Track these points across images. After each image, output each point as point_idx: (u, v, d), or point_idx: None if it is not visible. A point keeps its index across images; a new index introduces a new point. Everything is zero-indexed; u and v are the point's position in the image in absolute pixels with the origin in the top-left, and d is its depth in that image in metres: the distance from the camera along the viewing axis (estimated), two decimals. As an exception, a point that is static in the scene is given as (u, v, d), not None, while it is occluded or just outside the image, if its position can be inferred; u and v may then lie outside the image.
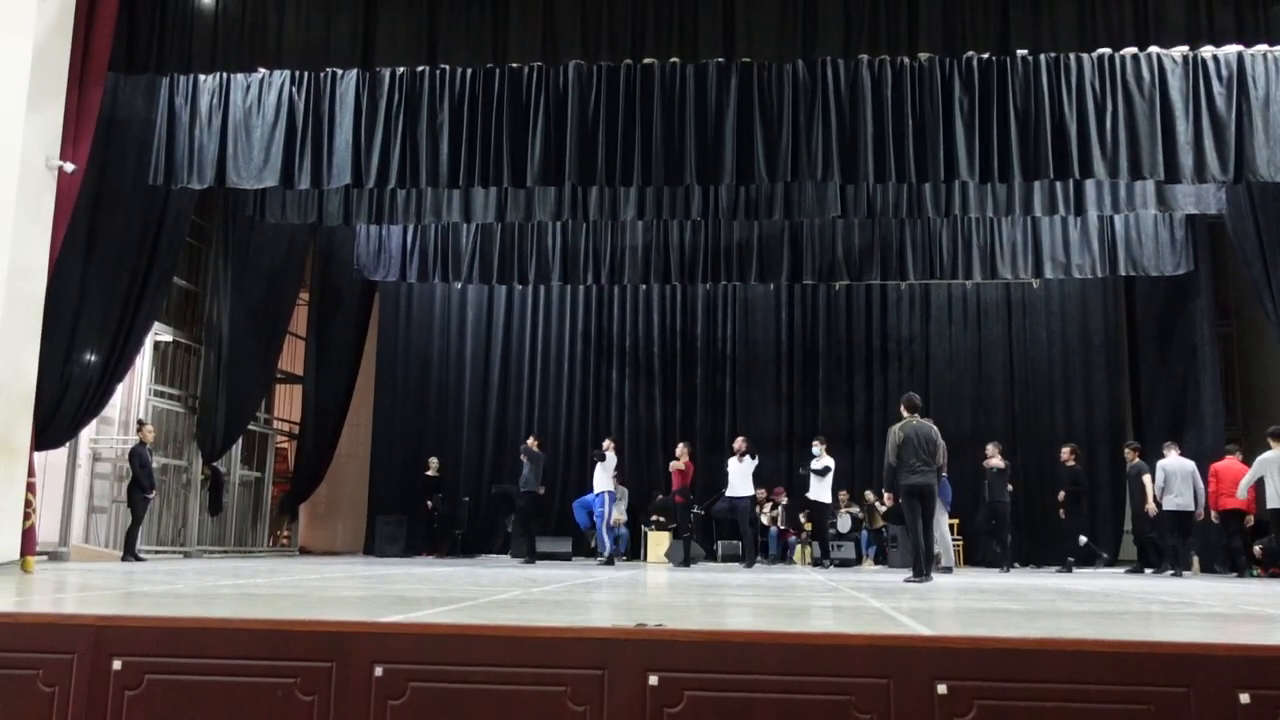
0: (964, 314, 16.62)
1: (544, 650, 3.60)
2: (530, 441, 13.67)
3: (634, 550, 15.65)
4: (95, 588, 6.11)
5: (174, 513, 13.57)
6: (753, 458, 12.98)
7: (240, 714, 3.59)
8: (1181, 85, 10.17)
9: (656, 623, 3.83)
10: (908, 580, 8.82)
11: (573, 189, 12.27)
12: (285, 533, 16.51)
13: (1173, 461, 12.42)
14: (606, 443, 13.64)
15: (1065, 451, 13.58)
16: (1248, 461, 11.90)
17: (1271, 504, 11.36)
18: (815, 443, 13.46)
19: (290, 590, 6.00)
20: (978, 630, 4.21)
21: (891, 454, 9.00)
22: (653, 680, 3.49)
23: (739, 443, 13.09)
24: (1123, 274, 14.46)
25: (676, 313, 17.00)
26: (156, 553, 12.79)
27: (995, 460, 13.04)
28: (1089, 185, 12.10)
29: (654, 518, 15.25)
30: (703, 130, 10.27)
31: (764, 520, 14.95)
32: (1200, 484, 12.29)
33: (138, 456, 11.65)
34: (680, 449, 13.51)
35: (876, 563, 14.53)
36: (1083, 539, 13.54)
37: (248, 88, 10.79)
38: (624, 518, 15.51)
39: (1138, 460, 12.94)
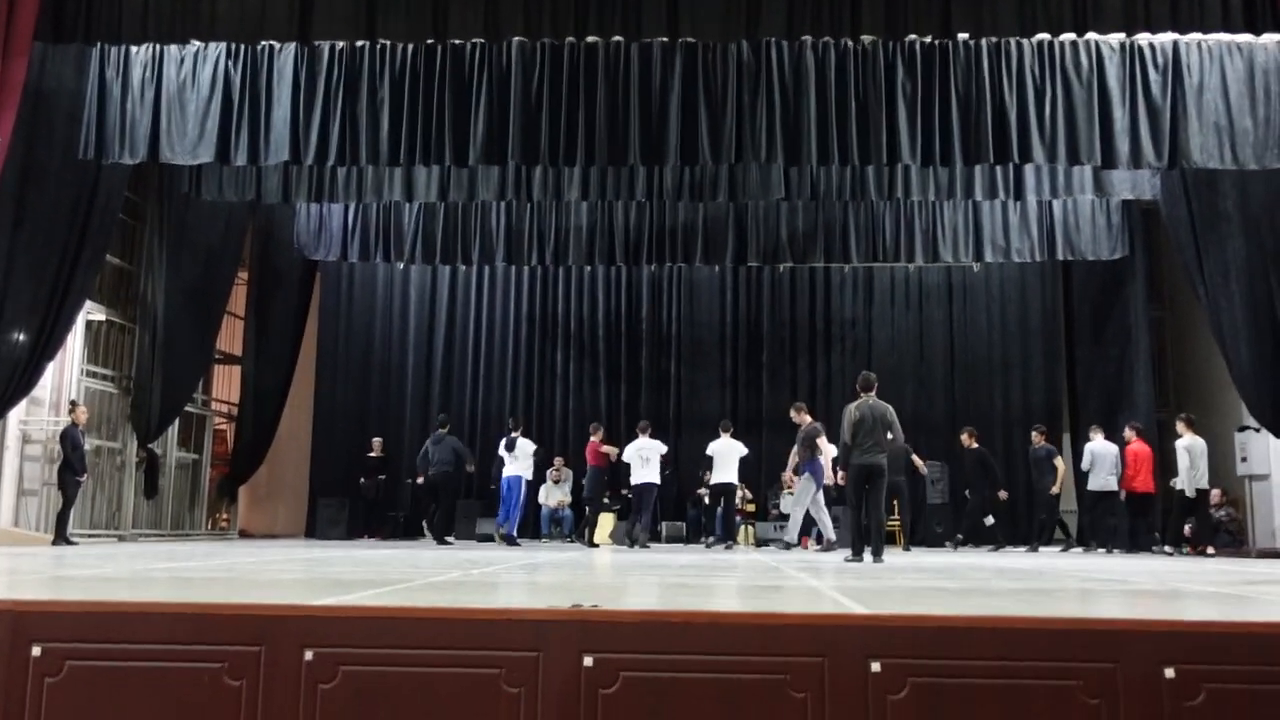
0: (906, 297, 16.78)
1: (478, 632, 3.55)
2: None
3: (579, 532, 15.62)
4: (17, 571, 5.94)
5: (108, 496, 13.29)
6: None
7: (167, 699, 3.50)
8: (1119, 72, 10.31)
9: (592, 604, 3.81)
10: (848, 560, 8.90)
11: (516, 169, 12.15)
12: (224, 516, 16.24)
13: (1099, 445, 12.79)
14: (511, 421, 13.80)
15: (965, 435, 13.86)
16: (1153, 443, 12.59)
17: (1199, 485, 11.71)
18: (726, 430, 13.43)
19: (222, 574, 5.88)
20: (912, 609, 4.24)
21: (847, 432, 9.00)
22: (588, 661, 3.46)
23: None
24: (1060, 258, 14.68)
25: (621, 294, 16.96)
26: (90, 537, 12.52)
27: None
28: (1028, 170, 12.25)
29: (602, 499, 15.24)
30: (647, 110, 10.22)
31: (706, 500, 15.00)
32: (1121, 467, 12.69)
33: (69, 438, 11.38)
34: (593, 428, 13.66)
35: (818, 543, 14.64)
36: (989, 520, 13.78)
37: (181, 60, 10.52)
38: (568, 499, 15.50)
39: (1044, 443, 13.39)
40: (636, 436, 13.16)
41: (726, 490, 12.85)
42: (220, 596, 4.31)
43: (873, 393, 9.14)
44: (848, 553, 9.31)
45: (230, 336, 16.10)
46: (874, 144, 10.27)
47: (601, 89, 10.23)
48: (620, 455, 13.19)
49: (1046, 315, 16.49)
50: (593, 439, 13.52)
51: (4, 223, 9.88)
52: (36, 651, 3.57)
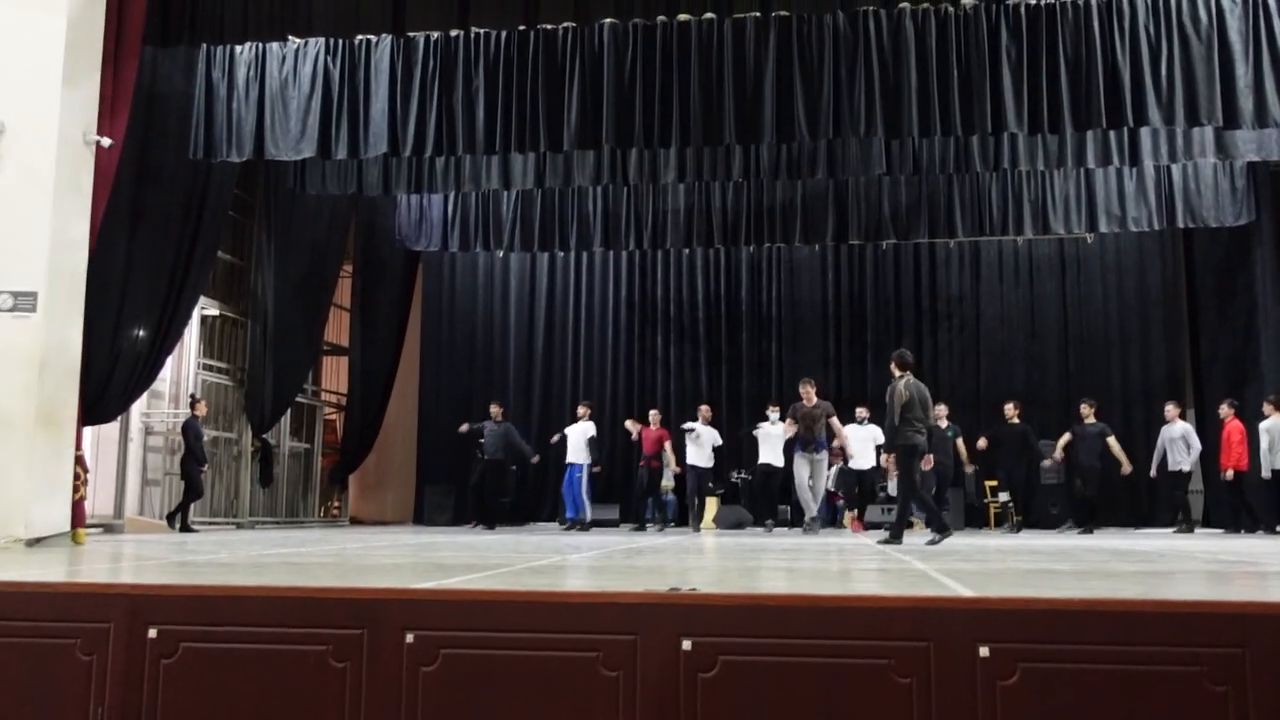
0: (1015, 271, 16.30)
1: (576, 616, 3.56)
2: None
3: (682, 516, 15.61)
4: (140, 558, 6.20)
5: (226, 485, 13.78)
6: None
7: (274, 681, 3.61)
8: (1240, 25, 9.76)
9: (690, 587, 3.78)
10: (930, 543, 8.59)
11: (611, 152, 12.14)
12: (336, 503, 16.71)
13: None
14: (581, 409, 13.99)
15: (1009, 408, 13.50)
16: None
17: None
18: (771, 409, 13.33)
19: (330, 559, 6.04)
20: (1023, 592, 4.10)
21: (896, 412, 8.79)
22: (686, 645, 3.45)
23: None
24: (1181, 226, 14.04)
25: (720, 276, 16.87)
26: (210, 524, 13.01)
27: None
28: (1144, 134, 11.70)
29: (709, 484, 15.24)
30: (741, 88, 10.08)
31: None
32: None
33: (191, 429, 11.84)
34: (652, 414, 13.96)
35: (927, 525, 14.36)
36: (1003, 495, 13.40)
37: (283, 58, 10.78)
38: (672, 484, 15.48)
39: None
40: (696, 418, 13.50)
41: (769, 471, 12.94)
42: (326, 581, 4.42)
43: (909, 371, 8.93)
44: (931, 535, 9.03)
45: (337, 328, 16.51)
46: (978, 113, 9.95)
47: (695, 68, 10.13)
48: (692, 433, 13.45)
49: (1167, 286, 15.83)
50: (651, 425, 13.76)
51: (122, 223, 10.28)
52: (153, 633, 3.71)
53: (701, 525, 13.80)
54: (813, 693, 3.34)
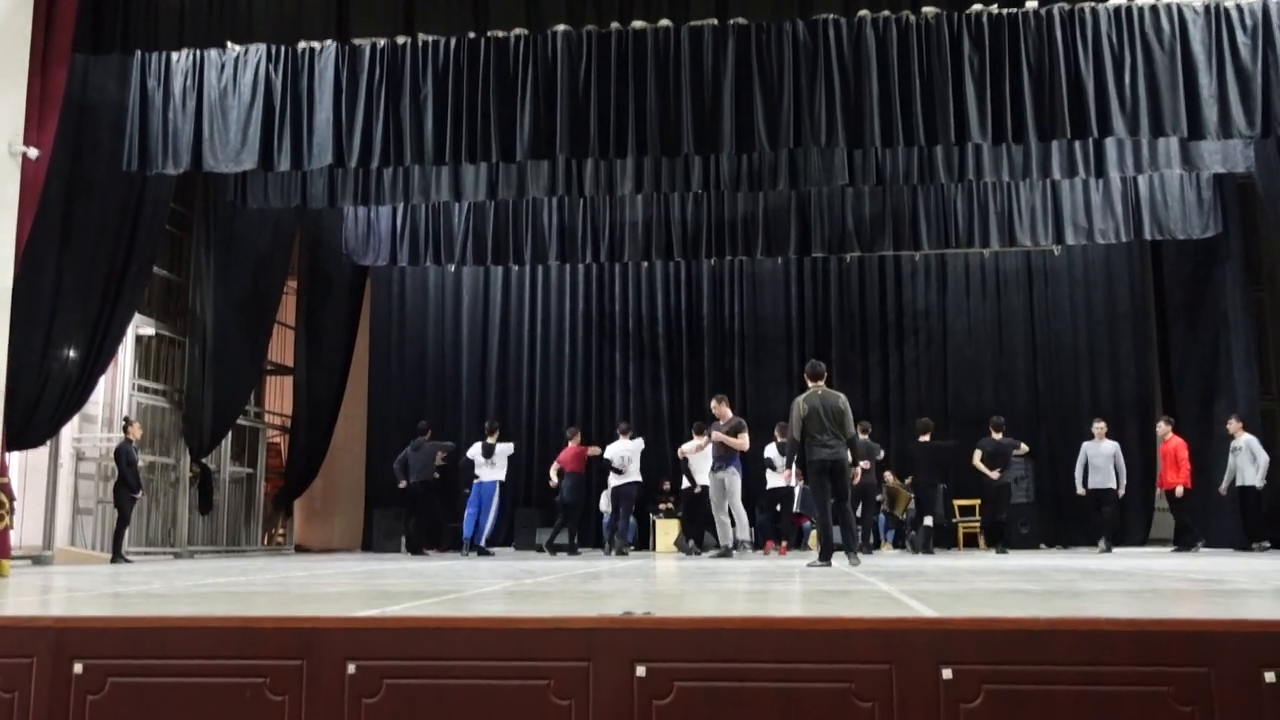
0: (982, 284, 16.50)
1: (525, 642, 3.54)
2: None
3: (643, 540, 15.61)
4: (67, 589, 6.08)
5: (163, 512, 13.58)
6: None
7: (208, 716, 3.54)
8: (1203, 36, 10.00)
9: (644, 611, 3.77)
10: (810, 565, 8.63)
11: (566, 163, 12.17)
12: (280, 530, 16.52)
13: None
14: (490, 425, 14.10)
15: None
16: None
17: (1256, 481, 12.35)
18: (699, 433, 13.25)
19: (271, 588, 5.96)
20: (988, 612, 4.14)
21: (795, 428, 8.72)
22: (640, 671, 3.43)
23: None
24: (1148, 238, 14.33)
25: (681, 291, 16.93)
26: (146, 554, 12.80)
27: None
28: (1110, 145, 11.93)
29: (662, 505, 15.25)
30: (699, 97, 10.15)
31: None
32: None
33: (124, 455, 11.66)
34: (569, 432, 14.29)
35: (895, 547, 14.46)
36: (928, 520, 13.16)
37: (222, 66, 10.71)
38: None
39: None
40: (617, 439, 13.64)
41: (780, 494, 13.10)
42: (264, 610, 4.36)
43: (821, 382, 8.87)
44: (813, 557, 9.07)
45: (281, 347, 16.37)
46: (941, 123, 10.09)
47: (651, 77, 10.19)
48: (601, 455, 13.73)
49: (1135, 299, 16.09)
50: (571, 443, 13.90)
51: (51, 237, 10.14)
52: (79, 669, 3.64)
53: (659, 548, 13.80)
54: (773, 718, 3.34)
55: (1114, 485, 13.01)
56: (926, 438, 13.16)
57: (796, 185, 12.66)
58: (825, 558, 8.64)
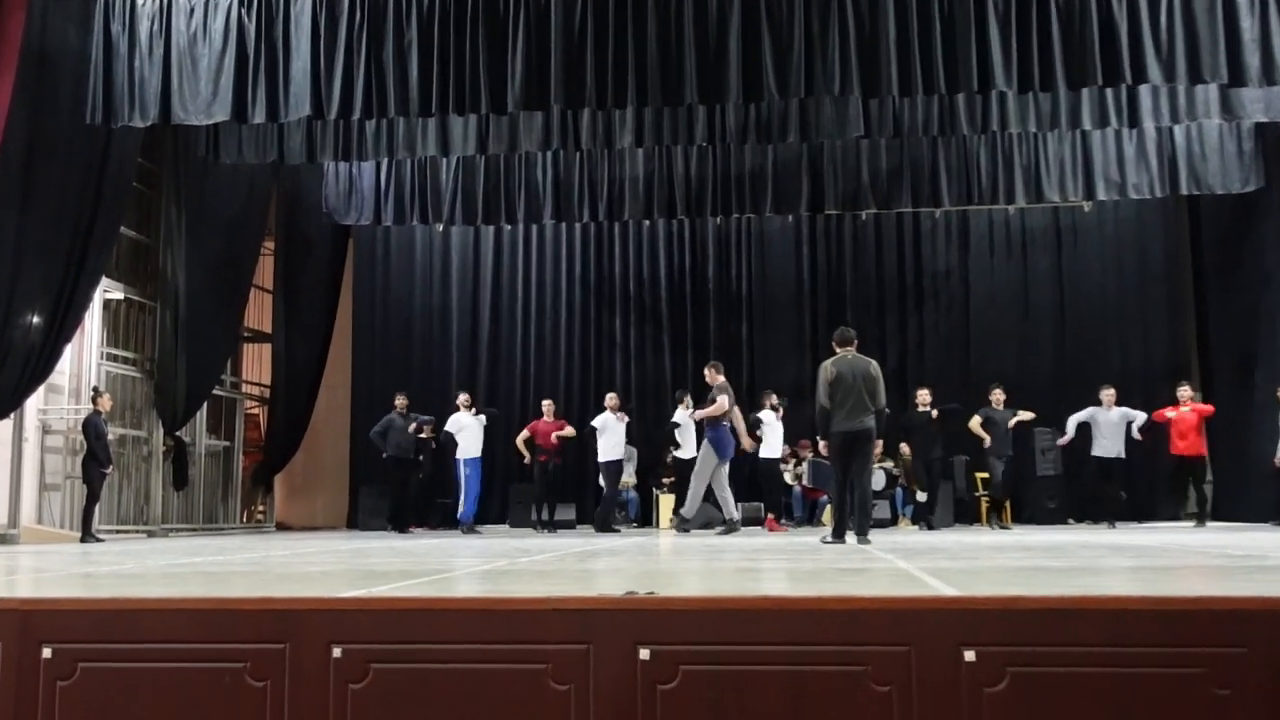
0: (1007, 243, 16.45)
1: (521, 624, 3.55)
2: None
3: (645, 516, 15.66)
4: (35, 570, 6.11)
5: (135, 488, 13.62)
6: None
7: (186, 702, 3.57)
8: (1247, -27, 9.92)
9: (648, 591, 3.78)
10: (824, 541, 8.70)
11: (561, 114, 12.09)
12: (260, 507, 16.59)
13: None
14: (463, 397, 14.39)
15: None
16: None
17: None
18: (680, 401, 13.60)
19: (250, 567, 5.99)
20: (1011, 590, 4.15)
21: (823, 394, 8.71)
22: (644, 654, 3.44)
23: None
24: (1185, 193, 14.25)
25: (684, 251, 16.87)
26: (118, 532, 12.87)
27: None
28: (1144, 93, 11.84)
29: (665, 479, 15.30)
30: (703, 42, 10.07)
31: (788, 478, 14.93)
32: None
33: (92, 427, 11.66)
34: (545, 405, 14.53)
35: (914, 523, 14.52)
36: (921, 496, 13.53)
37: (191, 11, 10.63)
38: (633, 480, 15.53)
39: None
40: (603, 410, 13.84)
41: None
42: (243, 591, 4.38)
43: (852, 348, 8.85)
44: (826, 533, 9.11)
45: (258, 312, 16.38)
46: (963, 69, 10.02)
47: (652, 19, 10.11)
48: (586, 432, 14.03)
49: (1170, 259, 16.05)
50: (545, 417, 14.17)
51: (11, 196, 10.11)
52: (47, 653, 3.66)
53: (663, 525, 13.86)
54: (782, 703, 3.36)
55: (1123, 455, 13.14)
56: (925, 407, 13.43)
57: (808, 137, 12.59)
58: (839, 534, 8.68)
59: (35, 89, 10.20)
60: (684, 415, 13.15)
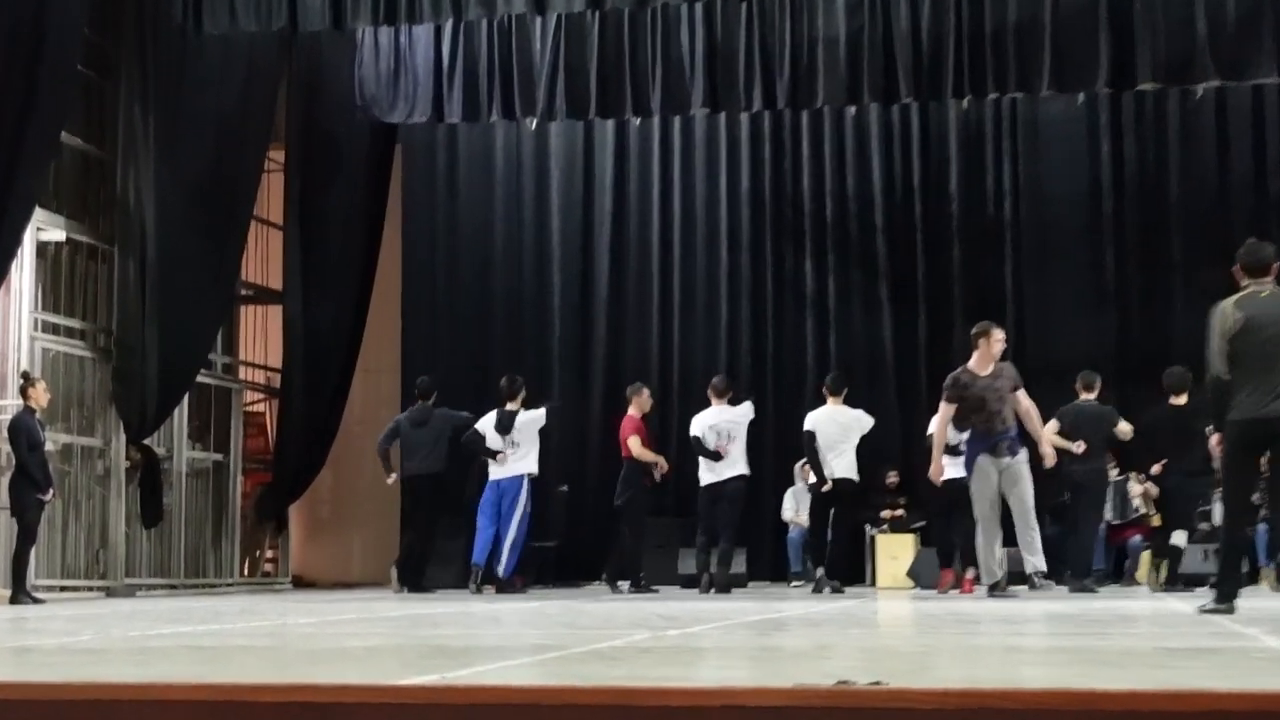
0: None
1: (674, 726, 3.58)
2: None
3: (856, 571, 15.47)
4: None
5: (87, 524, 13.89)
6: None
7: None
8: None
9: (872, 680, 3.77)
10: (1203, 610, 8.20)
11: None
12: (268, 553, 16.92)
13: None
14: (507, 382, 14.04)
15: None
16: None
17: None
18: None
19: (261, 640, 6.15)
20: None
21: (1218, 358, 7.92)
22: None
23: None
24: None
25: (912, 154, 16.72)
26: (63, 589, 13.19)
27: None
28: None
29: (885, 513, 15.19)
30: None
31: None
32: None
33: (23, 431, 11.79)
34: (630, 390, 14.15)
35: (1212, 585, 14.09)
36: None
37: None
38: (801, 517, 15.26)
39: None
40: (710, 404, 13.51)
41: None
42: (255, 675, 4.50)
43: (1270, 277, 8.20)
44: (1207, 601, 8.62)
45: (263, 260, 16.69)
46: None
47: None
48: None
49: None
50: (631, 411, 13.82)
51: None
52: (-20, 759, 3.82)
53: (881, 580, 13.81)
54: None
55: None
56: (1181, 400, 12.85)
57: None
58: (1229, 595, 8.15)
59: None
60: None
